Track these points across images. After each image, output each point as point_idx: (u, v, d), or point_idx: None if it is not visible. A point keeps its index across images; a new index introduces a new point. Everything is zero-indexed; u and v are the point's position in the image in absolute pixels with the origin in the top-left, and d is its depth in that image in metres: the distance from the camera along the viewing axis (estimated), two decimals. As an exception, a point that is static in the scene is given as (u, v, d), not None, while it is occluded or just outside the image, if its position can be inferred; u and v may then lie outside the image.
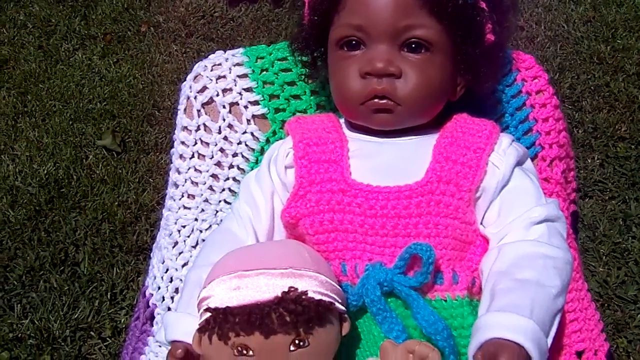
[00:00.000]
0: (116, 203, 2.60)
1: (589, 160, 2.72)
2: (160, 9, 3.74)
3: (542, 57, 3.30)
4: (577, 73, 3.18)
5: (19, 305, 2.25)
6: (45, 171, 2.75)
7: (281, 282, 0.89)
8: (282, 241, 1.07)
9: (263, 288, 0.88)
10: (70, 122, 3.01)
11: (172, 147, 1.25)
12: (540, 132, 1.21)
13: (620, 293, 2.23)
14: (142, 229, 2.50)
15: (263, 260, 0.91)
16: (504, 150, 1.05)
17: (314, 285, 0.90)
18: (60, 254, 2.42)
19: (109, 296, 2.28)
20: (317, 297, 0.89)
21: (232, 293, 0.89)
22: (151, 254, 1.31)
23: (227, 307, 0.88)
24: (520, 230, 1.00)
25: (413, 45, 1.02)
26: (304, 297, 0.87)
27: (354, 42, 1.04)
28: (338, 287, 0.95)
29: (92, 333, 2.17)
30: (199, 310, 0.93)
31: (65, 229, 2.51)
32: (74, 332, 2.17)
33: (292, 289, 0.88)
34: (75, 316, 2.21)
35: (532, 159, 1.20)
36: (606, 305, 2.21)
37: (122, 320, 2.21)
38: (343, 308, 0.94)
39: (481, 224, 1.04)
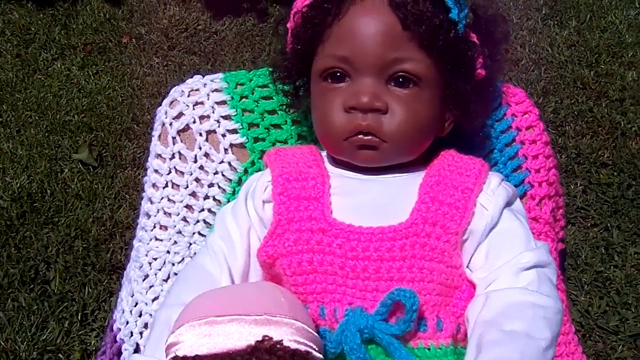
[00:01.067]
0: (90, 219, 2.54)
1: (572, 187, 2.70)
2: (143, 20, 3.68)
3: (526, 80, 3.30)
4: (561, 97, 3.17)
5: (-16, 324, 2.18)
6: (19, 184, 2.68)
7: (255, 330, 0.83)
8: (258, 284, 1.01)
9: (235, 336, 0.83)
10: (46, 134, 2.94)
11: (145, 175, 1.19)
12: (530, 170, 1.17)
13: (601, 323, 2.20)
14: (116, 247, 2.44)
15: (236, 305, 0.86)
16: (493, 190, 1.01)
17: (290, 334, 0.85)
18: (30, 271, 2.35)
19: (79, 317, 2.21)
20: (293, 345, 0.84)
21: (202, 340, 0.84)
22: (120, 286, 1.25)
23: (197, 355, 0.83)
24: (509, 277, 0.95)
25: (401, 80, 0.98)
26: (278, 346, 0.82)
27: (338, 74, 1.00)
28: (315, 334, 0.90)
29: (60, 355, 2.10)
30: (166, 356, 0.87)
31: (36, 246, 2.44)
32: (41, 355, 2.09)
33: (267, 338, 0.83)
34: (44, 337, 2.14)
35: (521, 197, 1.16)
36: (587, 335, 2.18)
37: (92, 343, 2.14)
38: (320, 356, 0.89)
39: (467, 267, 1.00)
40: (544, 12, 3.79)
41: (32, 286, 2.31)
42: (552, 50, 3.47)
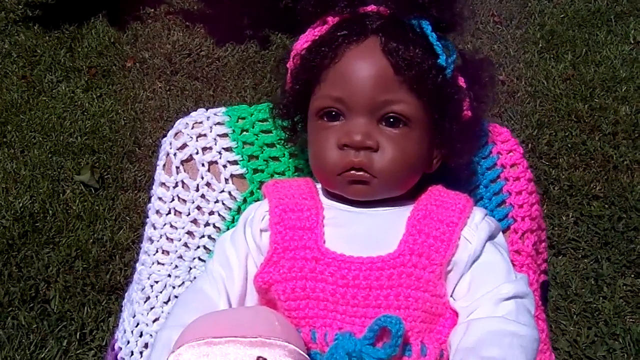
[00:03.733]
0: (91, 240, 2.59)
1: (564, 218, 2.76)
2: (147, 44, 3.76)
3: (521, 112, 3.36)
4: (555, 130, 3.23)
5: (-16, 342, 2.22)
6: (21, 204, 2.73)
7: (250, 351, 0.89)
8: (253, 308, 1.07)
9: (232, 356, 0.88)
10: (50, 155, 3.00)
11: (149, 201, 1.25)
12: (513, 205, 1.23)
13: (589, 353, 2.24)
14: (115, 268, 2.49)
15: (233, 328, 0.92)
16: (477, 224, 1.07)
17: (283, 355, 0.90)
18: (30, 290, 2.39)
19: (77, 336, 2.25)
20: (285, 367, 0.89)
21: (201, 359, 0.89)
22: (122, 307, 1.30)
23: (195, 374, 0.88)
24: (490, 306, 1.01)
25: (391, 120, 1.05)
26: (271, 367, 0.88)
27: (333, 113, 1.06)
28: (306, 356, 0.95)
29: (58, 374, 2.14)
30: (166, 375, 0.93)
31: (37, 265, 2.48)
32: (39, 373, 2.13)
33: (261, 359, 0.88)
34: (42, 356, 2.18)
35: (505, 231, 1.22)
36: (575, 365, 2.23)
37: (90, 362, 2.19)
38: (310, 378, 0.94)
39: (451, 296, 1.05)
40: (540, 45, 3.87)
41: (32, 305, 2.35)
42: (548, 84, 3.54)
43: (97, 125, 3.17)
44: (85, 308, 2.34)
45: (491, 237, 1.08)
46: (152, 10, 4.04)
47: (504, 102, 3.43)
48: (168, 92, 3.41)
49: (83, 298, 2.38)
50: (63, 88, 3.42)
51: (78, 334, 2.25)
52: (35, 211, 2.71)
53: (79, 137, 3.10)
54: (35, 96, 3.37)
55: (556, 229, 2.70)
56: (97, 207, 2.73)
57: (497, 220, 1.18)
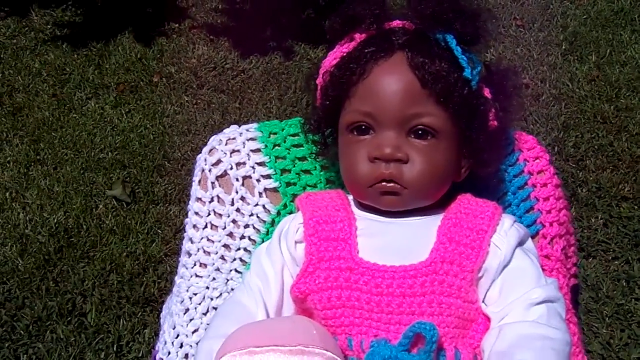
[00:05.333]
0: (124, 254, 2.63)
1: (593, 220, 2.74)
2: (173, 59, 3.81)
3: (546, 115, 3.35)
4: (581, 132, 3.22)
5: (25, 355, 2.27)
6: (56, 220, 2.79)
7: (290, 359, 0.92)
8: (292, 317, 1.10)
9: (272, 365, 0.92)
10: (82, 171, 3.06)
11: (186, 216, 1.30)
12: (541, 211, 1.26)
13: (623, 356, 2.23)
14: (149, 281, 2.53)
15: (273, 337, 0.95)
16: (506, 231, 1.09)
17: (322, 363, 0.93)
18: (67, 304, 2.44)
19: (114, 348, 2.29)
20: (325, 374, 0.92)
21: (242, 369, 0.93)
22: (160, 318, 1.35)
23: (238, 383, 0.91)
24: (521, 311, 1.03)
25: (420, 132, 1.08)
26: (311, 374, 0.91)
27: (363, 127, 1.10)
28: (344, 363, 0.98)
29: (97, 386, 2.18)
30: (209, 384, 0.96)
31: (73, 279, 2.53)
32: (79, 385, 2.18)
33: (301, 367, 0.91)
34: (81, 368, 2.23)
35: (533, 237, 1.24)
36: (609, 368, 2.22)
37: (127, 374, 2.23)
38: (348, 384, 0.97)
39: (483, 302, 1.08)
40: (564, 47, 3.85)
41: (69, 318, 2.40)
42: (573, 85, 3.53)
43: (127, 140, 3.23)
44: (121, 320, 2.38)
45: (520, 243, 1.10)
46: (177, 25, 4.10)
47: (528, 105, 3.42)
48: (195, 106, 3.46)
49: (118, 311, 2.42)
50: (92, 105, 3.49)
51: (115, 346, 2.29)
52: (70, 226, 2.76)
53: (109, 153, 3.16)
54: (65, 113, 3.43)
55: (585, 231, 2.69)
56: (129, 221, 2.78)
57: (525, 226, 1.20)
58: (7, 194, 2.95)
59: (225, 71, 3.73)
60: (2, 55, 3.84)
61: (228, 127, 1.33)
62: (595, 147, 3.12)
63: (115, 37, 3.95)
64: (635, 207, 2.79)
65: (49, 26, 4.08)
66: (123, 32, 3.99)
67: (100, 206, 2.87)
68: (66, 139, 3.26)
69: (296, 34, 3.87)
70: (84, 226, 2.77)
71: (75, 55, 3.85)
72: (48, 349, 2.29)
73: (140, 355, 2.28)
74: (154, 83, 3.64)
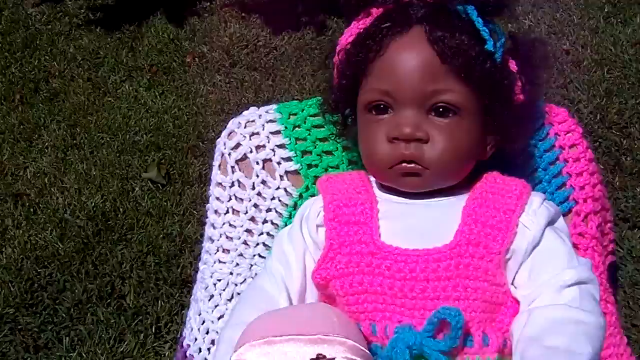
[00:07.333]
0: (161, 236, 2.64)
1: (638, 189, 2.66)
2: (205, 39, 3.79)
3: (588, 82, 3.25)
4: (625, 98, 3.11)
5: (67, 338, 2.30)
6: (93, 204, 2.81)
7: (310, 349, 0.90)
8: (312, 305, 1.08)
9: (292, 354, 0.90)
10: (117, 155, 3.07)
11: (207, 202, 1.28)
12: (574, 187, 1.20)
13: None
14: (186, 262, 2.54)
15: (292, 326, 0.93)
16: (535, 210, 1.05)
17: (342, 351, 0.91)
18: (107, 287, 2.46)
19: (153, 329, 2.31)
20: (346, 362, 0.90)
21: (262, 358, 0.91)
22: (189, 304, 1.34)
23: (258, 372, 0.90)
24: (551, 294, 0.99)
25: (441, 110, 1.03)
26: (332, 363, 0.89)
27: (382, 106, 1.06)
28: (366, 351, 0.96)
29: (137, 367, 2.21)
30: (231, 373, 0.95)
31: (111, 262, 2.55)
32: (120, 366, 2.21)
33: (321, 356, 0.89)
34: (121, 349, 2.25)
35: (566, 214, 1.19)
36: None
37: (167, 354, 2.24)
38: (371, 372, 0.95)
39: (512, 284, 1.04)
40: (606, 10, 3.71)
41: (109, 301, 2.42)
42: (616, 50, 3.40)
43: (161, 122, 3.23)
44: (159, 302, 2.39)
45: (551, 223, 1.05)
46: (208, 4, 4.07)
47: (569, 72, 3.32)
48: (228, 85, 3.44)
49: (157, 292, 2.44)
50: (126, 87, 3.49)
51: (154, 327, 2.31)
52: (107, 210, 2.78)
53: (144, 135, 3.16)
54: (100, 97, 3.44)
55: (630, 201, 2.61)
56: (165, 203, 2.79)
57: (557, 203, 1.16)
58: (46, 179, 2.98)
59: (258, 49, 3.70)
60: (37, 42, 3.86)
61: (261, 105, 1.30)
62: (640, 113, 3.01)
63: (148, 19, 3.94)
64: (683, 175, 2.69)
65: (82, 10, 4.09)
66: (155, 13, 3.98)
67: (137, 189, 2.88)
68: (102, 122, 3.27)
69: (328, 7, 3.81)
70: (121, 209, 2.78)
71: (109, 39, 3.86)
72: (89, 331, 2.32)
73: (178, 336, 2.27)
74: (187, 63, 3.63)
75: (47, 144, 3.17)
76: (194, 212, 2.74)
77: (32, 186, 2.94)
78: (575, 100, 3.14)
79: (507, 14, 1.07)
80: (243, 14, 3.95)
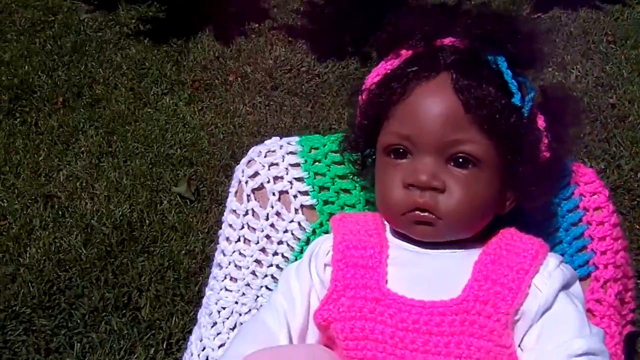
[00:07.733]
0: (183, 251, 2.65)
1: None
2: (249, 59, 3.83)
3: (632, 138, 3.18)
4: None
5: (79, 344, 2.31)
6: (120, 213, 2.83)
7: (300, 393, 0.88)
8: (309, 347, 1.05)
9: (282, 396, 0.87)
10: (150, 166, 3.10)
11: (220, 228, 1.27)
12: (595, 251, 1.16)
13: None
14: (205, 280, 2.49)
15: (286, 367, 0.91)
16: (550, 272, 1.00)
17: (334, 399, 0.88)
18: (124, 297, 2.47)
19: (164, 345, 2.30)
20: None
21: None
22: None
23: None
24: (558, 362, 0.95)
25: (460, 160, 1.00)
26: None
27: (401, 150, 1.03)
28: (360, 400, 0.93)
29: (144, 381, 2.20)
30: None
31: (131, 273, 2.56)
32: (127, 378, 2.20)
33: (311, 402, 0.87)
34: (131, 362, 2.25)
35: (585, 279, 1.15)
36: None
37: (175, 372, 2.24)
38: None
39: (519, 346, 1.00)
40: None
41: (124, 311, 2.43)
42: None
43: (197, 138, 3.25)
44: (174, 318, 2.39)
45: (565, 287, 1.01)
46: (257, 25, 4.11)
47: (612, 126, 3.26)
48: (267, 107, 3.46)
49: (172, 308, 2.44)
50: (167, 100, 3.53)
51: (165, 343, 2.31)
52: (133, 220, 2.80)
53: (178, 149, 3.19)
54: (140, 108, 3.49)
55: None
56: (191, 219, 2.80)
57: (576, 266, 1.11)
58: (78, 183, 3.02)
59: (301, 74, 3.72)
60: (87, 48, 3.94)
61: (297, 131, 1.29)
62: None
63: (196, 34, 4.00)
64: None
65: (133, 21, 4.17)
66: (204, 30, 4.03)
67: (165, 202, 2.90)
68: (138, 132, 3.31)
69: (374, 41, 3.81)
70: (147, 221, 2.80)
71: (156, 51, 3.92)
72: (101, 340, 2.32)
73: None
74: (229, 82, 3.66)
75: (83, 149, 3.22)
76: (219, 231, 2.74)
77: (64, 189, 2.98)
78: (617, 155, 3.08)
79: (539, 67, 1.04)
80: (290, 39, 3.98)
